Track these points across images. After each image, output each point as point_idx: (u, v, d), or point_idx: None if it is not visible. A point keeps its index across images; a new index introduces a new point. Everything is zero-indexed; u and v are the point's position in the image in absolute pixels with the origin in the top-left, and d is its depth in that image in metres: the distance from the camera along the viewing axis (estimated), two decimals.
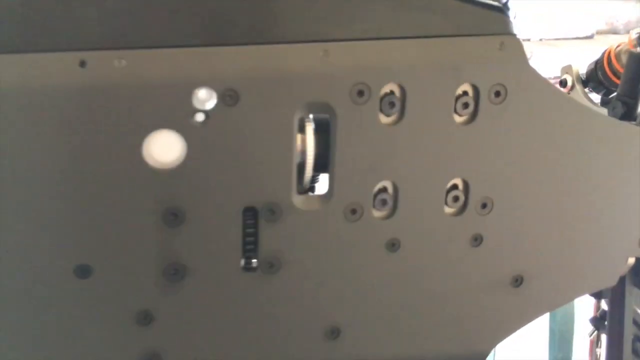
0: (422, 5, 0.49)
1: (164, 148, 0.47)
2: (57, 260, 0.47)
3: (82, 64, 0.44)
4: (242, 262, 0.51)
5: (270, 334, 0.53)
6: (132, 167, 0.46)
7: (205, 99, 0.46)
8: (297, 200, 0.50)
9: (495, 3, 0.52)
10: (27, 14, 0.44)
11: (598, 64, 0.76)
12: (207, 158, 0.47)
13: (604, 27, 3.06)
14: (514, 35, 0.51)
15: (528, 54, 0.52)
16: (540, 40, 2.46)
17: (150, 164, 0.47)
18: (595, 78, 0.76)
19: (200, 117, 0.46)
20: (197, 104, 0.46)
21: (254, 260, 0.52)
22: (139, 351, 0.51)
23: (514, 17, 0.52)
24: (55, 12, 0.44)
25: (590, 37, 2.82)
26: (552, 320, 1.35)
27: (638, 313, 0.63)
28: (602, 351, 0.70)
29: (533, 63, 0.52)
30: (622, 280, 0.61)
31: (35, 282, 0.48)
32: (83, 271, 0.48)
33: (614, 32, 3.14)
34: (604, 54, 0.76)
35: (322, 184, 0.54)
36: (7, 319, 0.49)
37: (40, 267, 0.47)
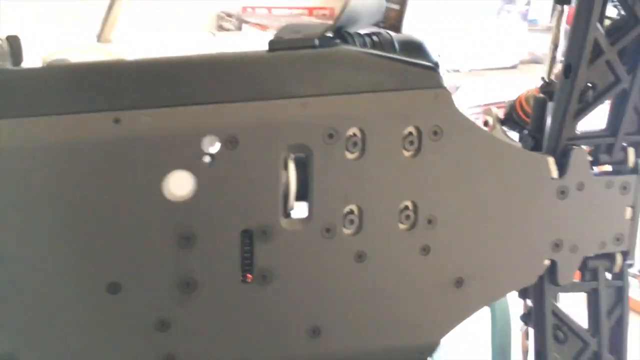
0: (375, 66, 0.63)
1: (179, 184, 0.59)
2: (93, 279, 0.58)
3: (117, 121, 0.56)
4: (241, 276, 0.63)
5: (263, 334, 0.65)
6: (154, 201, 0.58)
7: (211, 144, 0.59)
8: (284, 222, 0.63)
9: (429, 64, 0.67)
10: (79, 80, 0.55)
11: (512, 107, 0.92)
12: (212, 192, 0.60)
13: (526, 57, 3.36)
14: (444, 87, 0.66)
15: (457, 84, 0.67)
16: (470, 71, 2.70)
17: (168, 198, 0.58)
18: (511, 118, 0.93)
19: (207, 159, 0.59)
20: (204, 148, 0.59)
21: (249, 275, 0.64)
22: (157, 353, 0.61)
23: (444, 73, 0.68)
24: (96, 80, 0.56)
25: (514, 67, 3.08)
26: (493, 330, 1.50)
27: (556, 306, 0.77)
28: (531, 343, 0.84)
29: (463, 92, 0.67)
30: (541, 278, 0.76)
31: (74, 298, 0.58)
32: (114, 288, 0.59)
33: (535, 61, 3.44)
34: (516, 99, 0.92)
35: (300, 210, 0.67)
36: (47, 331, 0.59)
37: (79, 284, 0.58)
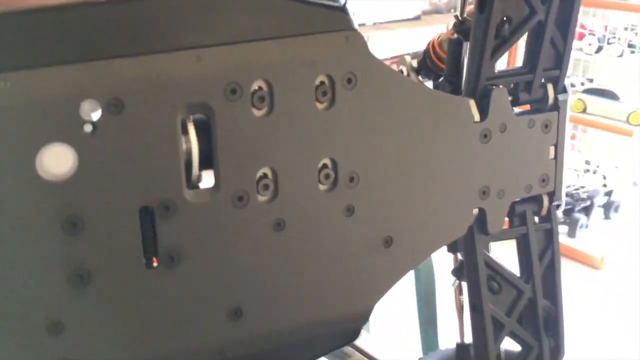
0: (277, 9, 0.56)
1: (56, 160, 0.49)
2: None
3: None
4: (144, 260, 0.55)
5: (176, 323, 0.57)
6: (27, 183, 0.48)
7: (91, 110, 0.50)
8: (189, 195, 0.55)
9: (337, 4, 0.60)
10: None
11: (426, 53, 0.88)
12: (98, 166, 0.51)
13: (428, 7, 3.38)
14: (356, 30, 0.60)
15: (365, 38, 0.61)
16: (374, 24, 2.69)
17: (44, 177, 0.49)
18: (425, 66, 0.88)
19: (88, 127, 0.50)
20: (84, 115, 0.49)
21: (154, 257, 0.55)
22: None
23: (353, 15, 0.61)
24: None
25: (418, 18, 3.09)
26: (417, 284, 1.49)
27: (488, 256, 0.74)
28: (464, 298, 0.81)
29: (371, 46, 0.61)
30: (470, 229, 0.72)
31: None
32: None
33: (438, 11, 3.46)
34: (429, 44, 0.88)
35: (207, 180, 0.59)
36: None
37: None
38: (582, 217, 2.72)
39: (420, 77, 0.90)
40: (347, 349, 1.01)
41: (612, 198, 2.83)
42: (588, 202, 2.75)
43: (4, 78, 0.46)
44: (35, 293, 0.50)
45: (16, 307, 0.50)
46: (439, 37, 0.86)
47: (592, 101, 2.86)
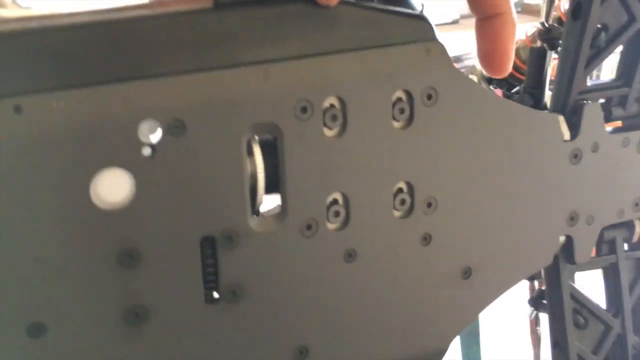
0: (351, 20, 0.50)
1: (112, 187, 0.45)
2: (6, 320, 0.44)
3: (17, 109, 0.41)
4: (205, 294, 0.50)
5: None
6: (80, 212, 0.44)
7: (150, 131, 0.45)
8: (254, 223, 0.50)
9: (416, 12, 0.54)
10: None
11: None
12: (158, 192, 0.46)
13: (466, 11, 3.30)
14: (437, 40, 0.54)
15: None
16: None
17: (99, 205, 0.44)
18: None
19: (147, 151, 0.45)
20: (142, 137, 0.45)
21: (215, 292, 0.50)
22: None
23: (434, 24, 0.55)
24: None
25: (456, 22, 2.99)
26: None
27: (574, 287, 0.67)
28: (541, 329, 0.74)
29: None
30: (556, 258, 0.65)
31: None
32: (37, 329, 0.45)
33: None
34: None
35: (268, 205, 0.54)
36: None
37: None
38: None
39: (492, 87, 0.83)
40: None
41: None
42: None
43: (57, 97, 0.42)
44: (87, 334, 0.46)
45: (67, 350, 0.46)
46: (516, 43, 0.79)
47: None
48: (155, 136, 0.45)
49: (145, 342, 0.48)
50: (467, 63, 0.80)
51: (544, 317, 0.75)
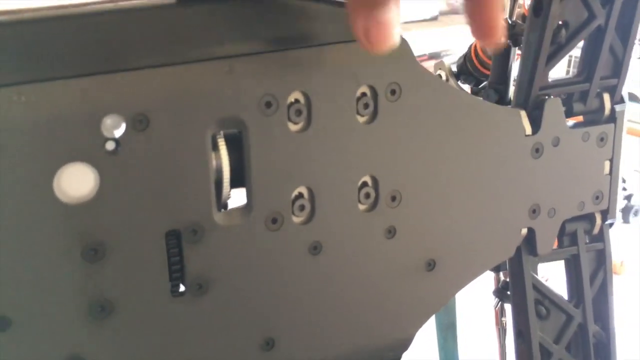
0: (316, 15, 0.51)
1: (76, 182, 0.45)
2: None
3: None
4: (170, 288, 0.50)
5: (204, 355, 0.53)
6: (44, 207, 0.44)
7: (114, 126, 0.45)
8: (219, 217, 0.50)
9: None
10: None
11: (467, 57, 0.82)
12: (122, 187, 0.46)
13: (445, 8, 3.29)
14: (401, 37, 0.54)
15: None
16: None
17: (63, 200, 0.45)
18: (465, 71, 0.82)
19: (110, 145, 0.45)
20: (106, 132, 0.45)
21: (182, 285, 0.51)
22: None
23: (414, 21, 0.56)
24: None
25: (435, 18, 3.01)
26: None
27: (536, 278, 0.69)
28: (507, 320, 0.76)
29: None
30: (518, 250, 0.67)
31: None
32: (2, 323, 0.45)
33: (455, 12, 3.38)
34: (470, 48, 0.82)
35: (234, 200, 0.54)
36: None
37: None
38: None
39: (459, 82, 0.85)
40: None
41: (632, 202, 2.74)
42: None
43: (18, 92, 0.42)
44: (52, 328, 0.46)
45: (31, 343, 0.46)
46: None
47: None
48: (119, 131, 0.45)
49: (111, 335, 0.48)
50: (445, 60, 0.81)
51: (509, 308, 0.76)
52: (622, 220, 3.13)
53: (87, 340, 0.48)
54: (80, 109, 0.44)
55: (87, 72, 0.44)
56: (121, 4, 0.46)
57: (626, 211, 3.01)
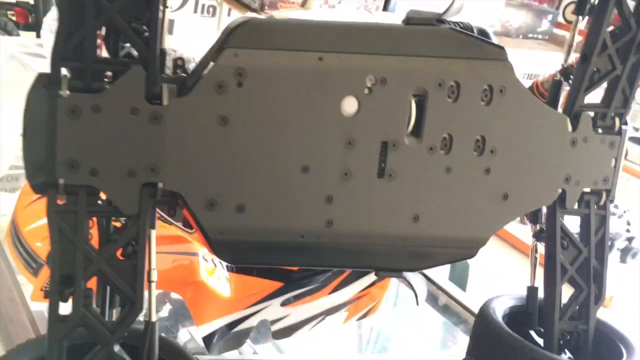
0: (469, 42, 0.95)
1: (349, 105, 0.89)
2: (293, 162, 0.87)
3: (320, 59, 0.85)
4: (377, 172, 0.93)
5: (385, 213, 0.95)
6: (335, 115, 0.88)
7: (370, 81, 0.89)
8: (406, 140, 0.94)
9: (499, 45, 1.00)
10: None
11: (530, 88, 1.27)
12: (369, 113, 0.90)
13: (499, 29, 3.76)
14: (509, 61, 0.99)
15: None
16: None
17: (342, 114, 0.88)
18: None
19: (366, 91, 0.89)
20: (366, 83, 0.89)
21: None
22: (322, 217, 0.91)
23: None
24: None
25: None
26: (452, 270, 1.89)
27: (562, 223, 1.11)
28: (537, 255, 1.18)
29: None
30: (553, 204, 1.09)
31: (279, 171, 0.87)
32: (305, 169, 0.88)
33: (507, 35, 3.84)
34: (533, 83, 1.27)
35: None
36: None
37: (282, 164, 0.87)
38: None
39: None
40: None
41: (632, 244, 3.10)
42: (608, 243, 3.01)
43: (339, 57, 0.86)
44: (324, 176, 0.89)
45: (314, 181, 0.89)
46: (542, 78, 1.26)
47: (635, 149, 3.12)
48: (372, 84, 0.89)
49: (347, 190, 0.91)
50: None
51: (540, 249, 1.18)
52: (619, 260, 3.42)
53: (336, 189, 0.90)
54: (359, 70, 0.88)
55: (366, 52, 0.88)
56: (385, 23, 0.91)
57: (625, 252, 3.33)
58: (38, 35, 1.87)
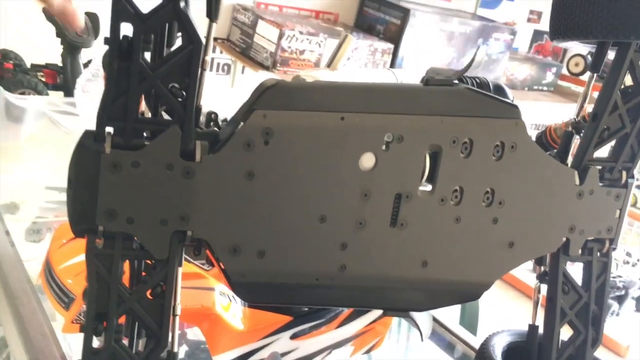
0: (483, 101, 1.01)
1: (367, 160, 0.95)
2: (311, 212, 0.94)
3: (342, 118, 0.92)
4: (390, 222, 1.00)
5: (395, 261, 1.02)
6: (353, 169, 0.94)
7: (388, 139, 0.95)
8: (419, 192, 1.00)
9: (512, 102, 1.05)
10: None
11: (543, 134, 1.32)
12: (385, 167, 0.96)
13: (504, 81, 3.86)
14: (522, 119, 1.05)
15: None
16: None
17: (360, 169, 0.95)
18: (540, 142, 1.32)
19: (384, 146, 0.95)
20: (385, 139, 0.95)
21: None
22: (336, 264, 0.98)
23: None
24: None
25: None
26: (462, 311, 1.94)
27: (565, 269, 1.17)
28: (540, 295, 1.24)
29: None
30: (557, 250, 1.15)
31: (296, 222, 0.94)
32: (322, 218, 0.94)
33: (513, 87, 3.92)
34: (546, 128, 1.32)
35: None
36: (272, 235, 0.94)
37: (299, 214, 0.94)
38: (614, 304, 3.00)
39: None
40: None
41: None
42: (623, 292, 3.03)
43: (359, 116, 0.92)
44: (340, 225, 0.96)
45: (330, 230, 0.95)
46: (555, 125, 1.31)
47: None
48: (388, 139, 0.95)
49: (361, 238, 0.98)
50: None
51: (543, 290, 1.24)
52: (635, 309, 3.42)
53: (351, 237, 0.97)
54: (377, 128, 0.94)
55: (385, 112, 0.94)
56: (403, 84, 0.97)
57: None
58: (66, 95, 2.03)
